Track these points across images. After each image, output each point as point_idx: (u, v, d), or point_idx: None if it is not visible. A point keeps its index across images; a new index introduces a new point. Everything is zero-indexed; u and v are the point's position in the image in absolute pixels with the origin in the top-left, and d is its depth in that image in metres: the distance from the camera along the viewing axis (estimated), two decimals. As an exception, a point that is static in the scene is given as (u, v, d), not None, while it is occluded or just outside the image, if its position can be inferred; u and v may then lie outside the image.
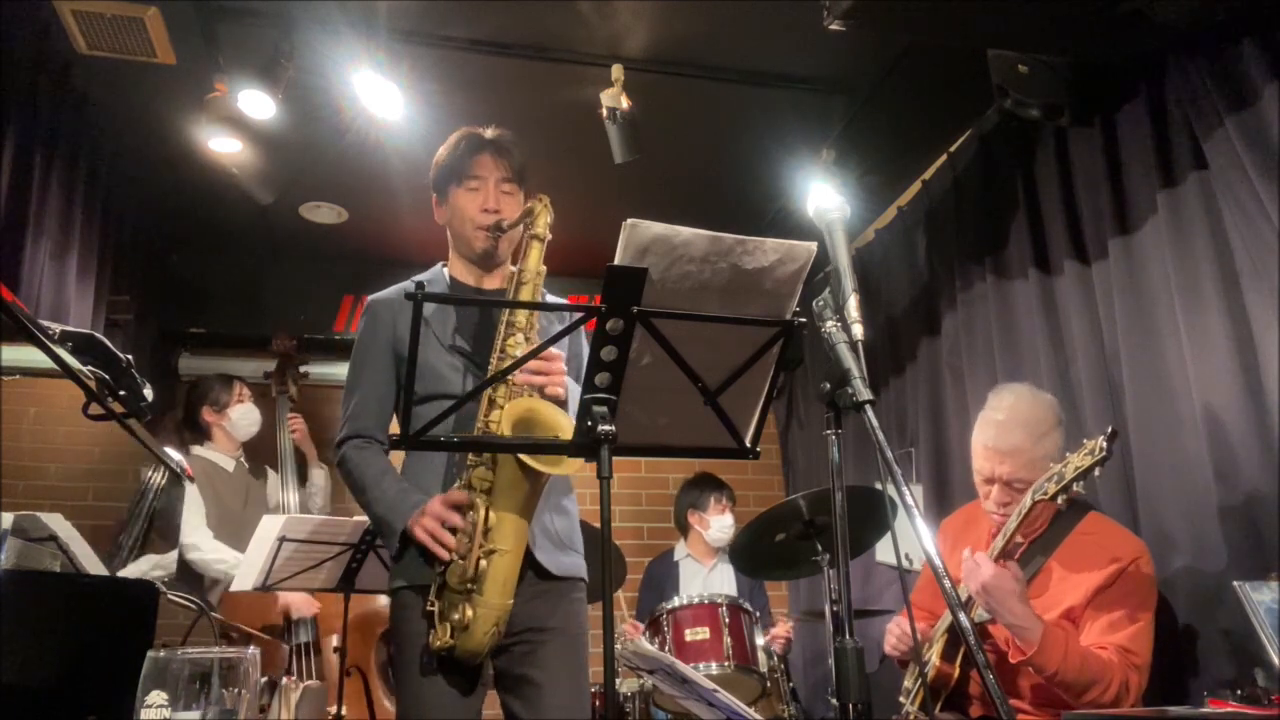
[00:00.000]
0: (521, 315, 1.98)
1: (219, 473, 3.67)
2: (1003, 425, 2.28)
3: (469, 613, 1.81)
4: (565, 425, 1.86)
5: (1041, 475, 2.13)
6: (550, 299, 2.15)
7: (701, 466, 4.37)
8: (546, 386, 1.91)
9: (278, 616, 3.36)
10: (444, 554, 1.83)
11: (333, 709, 3.18)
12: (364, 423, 2.07)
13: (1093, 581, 2.15)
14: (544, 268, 2.03)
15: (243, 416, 3.74)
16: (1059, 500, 2.06)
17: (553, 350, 1.92)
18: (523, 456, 1.79)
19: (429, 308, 2.08)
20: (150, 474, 2.56)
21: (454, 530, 1.84)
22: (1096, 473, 1.99)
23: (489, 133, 2.18)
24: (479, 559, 1.82)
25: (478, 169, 2.12)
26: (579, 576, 2.07)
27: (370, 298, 2.16)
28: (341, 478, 2.09)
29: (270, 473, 3.88)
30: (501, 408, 1.89)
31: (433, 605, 1.86)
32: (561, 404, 1.94)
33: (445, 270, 2.21)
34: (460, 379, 2.02)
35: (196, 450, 3.70)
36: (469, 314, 2.12)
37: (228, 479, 3.68)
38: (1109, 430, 1.98)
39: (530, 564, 1.95)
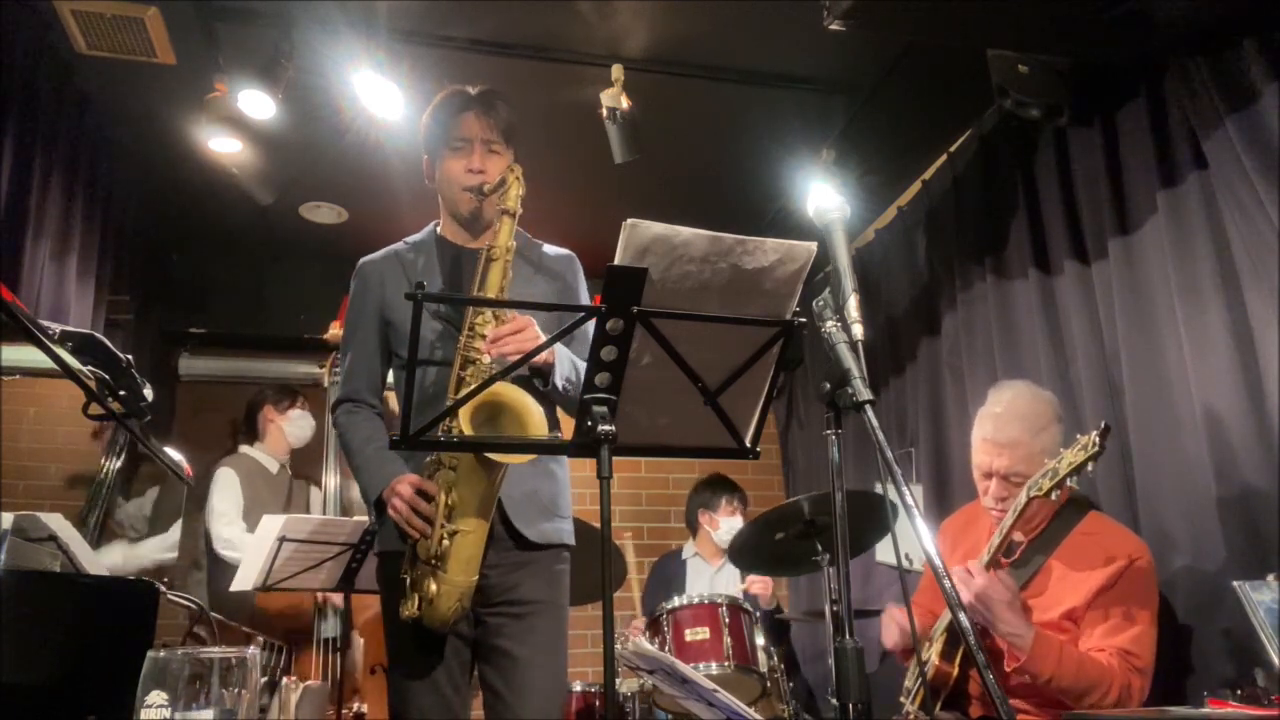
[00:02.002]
0: (492, 292, 1.96)
1: (262, 472, 3.71)
2: (1000, 418, 2.30)
3: (433, 588, 1.85)
4: (532, 407, 1.84)
5: (1038, 470, 2.14)
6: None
7: (705, 467, 4.36)
8: (513, 355, 1.84)
9: (308, 601, 3.36)
10: (413, 534, 1.87)
11: (354, 706, 3.19)
12: (354, 386, 2.11)
13: (1093, 582, 2.15)
14: (514, 243, 2.00)
15: (300, 418, 3.81)
16: (1053, 496, 2.07)
17: (524, 316, 1.90)
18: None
19: (415, 267, 2.10)
20: (106, 461, 2.55)
21: (422, 515, 1.87)
22: (1090, 468, 1.99)
23: (475, 90, 2.14)
24: (441, 539, 1.85)
25: (463, 130, 2.09)
26: (561, 543, 2.06)
27: (361, 260, 2.17)
28: (337, 440, 2.13)
29: (312, 485, 3.88)
30: (470, 385, 1.87)
31: (405, 574, 1.91)
32: (549, 368, 1.92)
33: (438, 229, 2.21)
34: (443, 345, 2.01)
35: (244, 449, 3.76)
36: (453, 279, 2.11)
37: (270, 479, 3.71)
38: (1102, 425, 1.99)
39: (509, 533, 1.97)
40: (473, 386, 1.84)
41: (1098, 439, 1.96)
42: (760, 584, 3.57)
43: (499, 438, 1.87)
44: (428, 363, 1.99)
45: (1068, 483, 2.03)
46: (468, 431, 1.75)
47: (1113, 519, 2.39)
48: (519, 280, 2.05)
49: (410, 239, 2.19)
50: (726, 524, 3.98)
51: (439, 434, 1.71)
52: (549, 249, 2.20)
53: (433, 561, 1.85)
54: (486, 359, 1.88)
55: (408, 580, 1.90)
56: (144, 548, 2.80)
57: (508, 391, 1.85)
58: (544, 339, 1.86)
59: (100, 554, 2.80)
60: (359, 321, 2.12)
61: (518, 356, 1.79)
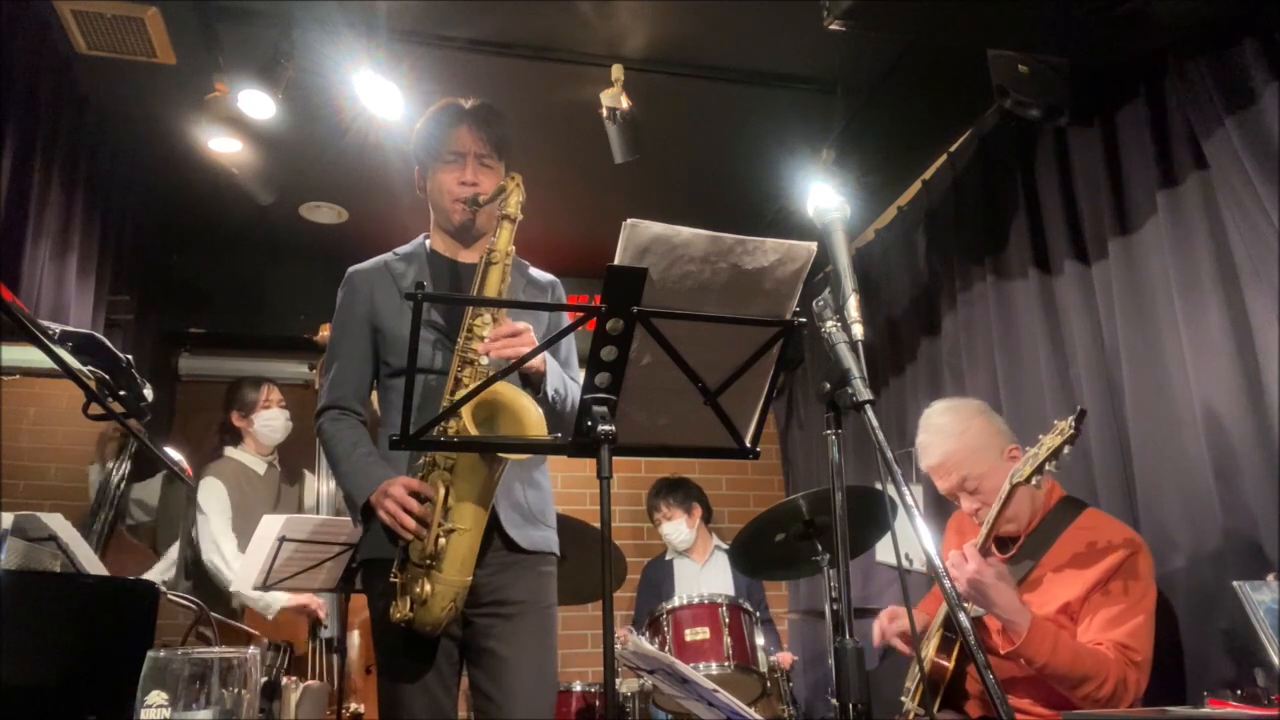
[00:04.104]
0: (490, 294, 1.97)
1: (249, 475, 3.67)
2: (924, 445, 2.42)
3: (427, 588, 1.84)
4: (530, 407, 1.85)
5: (985, 465, 2.28)
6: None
7: (705, 466, 4.36)
8: (515, 354, 1.85)
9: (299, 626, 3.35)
10: (405, 534, 1.86)
11: (351, 706, 3.19)
12: (340, 393, 2.09)
13: (1090, 576, 2.16)
14: (513, 248, 2.02)
15: (267, 423, 3.71)
16: (1034, 481, 2.11)
17: (520, 323, 1.90)
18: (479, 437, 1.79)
19: (403, 276, 2.10)
20: (111, 464, 2.55)
21: (415, 516, 1.86)
22: (1066, 451, 2.04)
23: (469, 103, 2.15)
24: (438, 537, 1.84)
25: (457, 143, 2.10)
26: (549, 550, 2.08)
27: (350, 269, 2.17)
28: (321, 448, 2.12)
29: (308, 475, 3.84)
30: (467, 386, 1.88)
31: (396, 578, 1.90)
32: (540, 376, 1.94)
33: (427, 242, 2.21)
34: (432, 352, 2.02)
35: (230, 452, 3.70)
36: (443, 289, 2.12)
37: (257, 481, 3.68)
38: (1078, 410, 2.03)
39: (499, 537, 1.98)
40: (471, 387, 1.85)
41: (1074, 423, 2.02)
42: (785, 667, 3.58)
43: (499, 438, 1.87)
44: (421, 370, 1.98)
45: (1047, 468, 2.06)
46: (471, 430, 1.76)
47: (1109, 515, 2.40)
48: (513, 292, 2.07)
49: (400, 250, 2.20)
50: (664, 531, 4.13)
51: (438, 434, 1.71)
52: (534, 271, 2.23)
53: (427, 561, 1.85)
54: (485, 360, 1.88)
55: (398, 584, 1.89)
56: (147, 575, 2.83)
57: (506, 392, 1.86)
58: (534, 341, 1.88)
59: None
60: (347, 329, 2.11)
61: (515, 359, 1.81)
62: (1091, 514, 2.32)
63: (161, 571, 2.91)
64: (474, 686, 2.00)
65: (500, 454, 1.83)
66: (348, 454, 2.01)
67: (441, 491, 1.86)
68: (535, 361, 1.92)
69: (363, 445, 2.03)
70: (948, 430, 2.37)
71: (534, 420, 1.84)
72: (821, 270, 2.35)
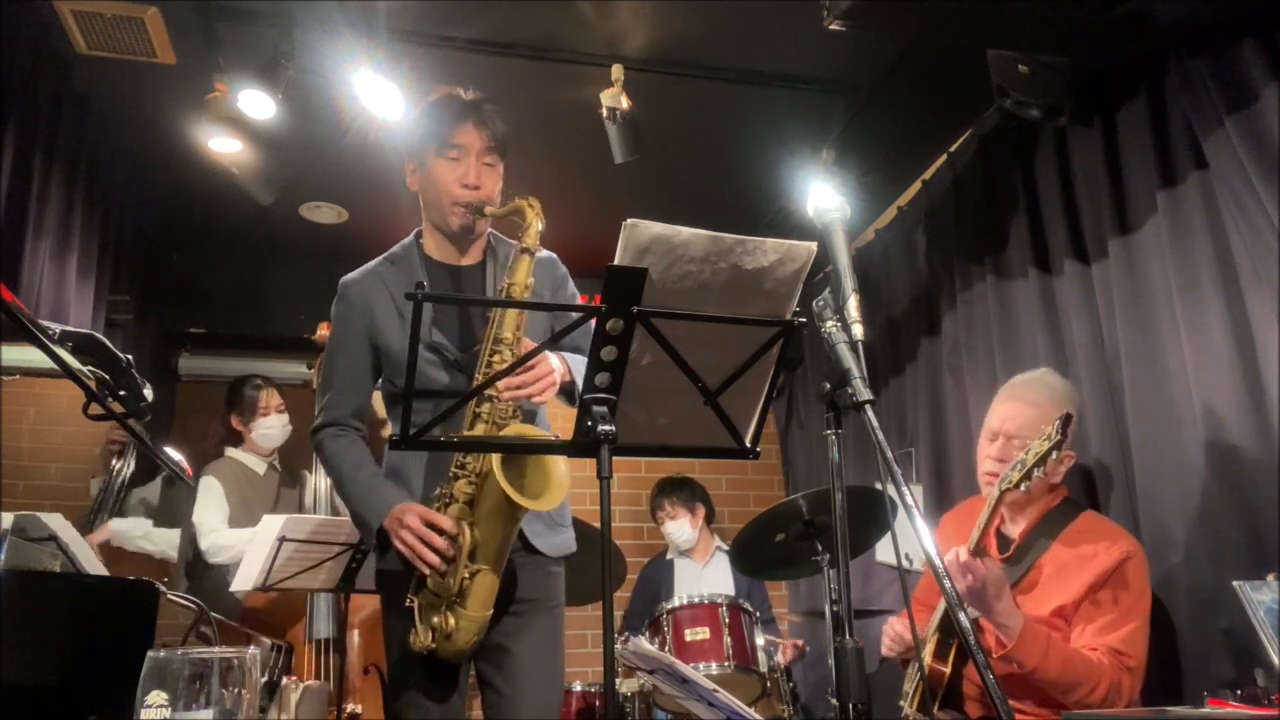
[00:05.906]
0: (509, 330, 1.92)
1: (248, 475, 3.67)
2: (1032, 384, 2.42)
3: (451, 622, 1.83)
4: (559, 465, 1.88)
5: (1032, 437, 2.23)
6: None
7: (705, 466, 4.36)
8: (534, 396, 1.87)
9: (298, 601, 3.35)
10: (424, 569, 1.85)
11: (349, 707, 3.19)
12: (339, 411, 2.05)
13: (1085, 580, 2.16)
14: (532, 280, 1.97)
15: (266, 432, 3.71)
16: (1023, 488, 2.10)
17: (545, 364, 1.89)
18: (509, 492, 1.77)
19: (399, 297, 2.03)
20: (115, 463, 2.55)
21: (437, 551, 1.84)
22: (1054, 456, 2.04)
23: (471, 96, 2.07)
24: (464, 579, 1.84)
25: (459, 138, 2.02)
26: (569, 553, 2.10)
27: (342, 280, 2.10)
28: (321, 465, 2.10)
29: (307, 475, 3.83)
30: (486, 421, 1.88)
31: (411, 602, 1.88)
32: (570, 384, 1.94)
33: (420, 244, 2.13)
34: (438, 372, 1.99)
35: (230, 452, 3.71)
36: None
37: (257, 482, 3.68)
38: (1064, 414, 2.03)
39: (520, 541, 1.98)
40: (488, 422, 1.87)
41: (1059, 427, 2.01)
42: (791, 650, 3.57)
43: (499, 438, 1.87)
44: (421, 393, 1.92)
45: (1035, 474, 2.06)
46: (499, 476, 1.76)
47: (1106, 518, 2.40)
48: (531, 322, 2.00)
49: (391, 254, 2.12)
50: (666, 530, 4.13)
51: (439, 436, 1.72)
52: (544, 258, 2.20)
53: (452, 598, 1.84)
54: (504, 398, 1.87)
55: (416, 607, 1.88)
56: (159, 535, 2.80)
57: (531, 435, 1.90)
58: (553, 383, 1.89)
59: (118, 521, 2.76)
60: (345, 344, 2.05)
61: (538, 400, 1.86)
62: (1089, 517, 2.31)
63: (166, 542, 2.89)
64: (483, 681, 2.00)
65: (525, 501, 1.82)
66: (353, 475, 1.99)
67: (466, 536, 1.84)
68: (561, 372, 1.91)
69: (367, 465, 2.00)
70: (1055, 393, 2.36)
71: (559, 480, 1.87)
72: (821, 270, 2.35)
